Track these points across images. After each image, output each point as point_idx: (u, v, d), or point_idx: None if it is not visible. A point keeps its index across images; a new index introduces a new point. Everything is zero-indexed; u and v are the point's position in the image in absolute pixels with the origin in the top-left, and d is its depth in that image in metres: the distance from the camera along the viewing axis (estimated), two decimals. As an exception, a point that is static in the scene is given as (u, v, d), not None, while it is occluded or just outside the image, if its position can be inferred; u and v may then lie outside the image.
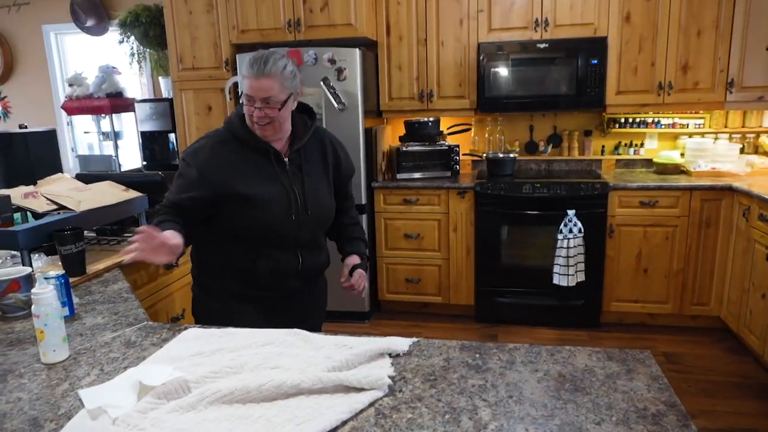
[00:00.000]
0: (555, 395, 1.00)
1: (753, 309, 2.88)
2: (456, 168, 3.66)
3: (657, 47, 3.35)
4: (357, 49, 3.30)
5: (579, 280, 3.30)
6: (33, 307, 1.19)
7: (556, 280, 3.31)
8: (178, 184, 1.58)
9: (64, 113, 4.41)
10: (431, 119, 3.68)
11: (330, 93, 3.34)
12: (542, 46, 3.42)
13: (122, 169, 4.16)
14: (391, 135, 3.94)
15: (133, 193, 2.12)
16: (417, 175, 3.63)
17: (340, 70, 3.31)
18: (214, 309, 1.66)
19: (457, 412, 0.96)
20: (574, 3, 3.38)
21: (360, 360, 1.13)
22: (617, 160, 3.81)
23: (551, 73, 3.46)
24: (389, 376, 1.07)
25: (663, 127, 3.68)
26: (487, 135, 3.91)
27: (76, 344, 1.29)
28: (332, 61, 3.31)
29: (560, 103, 3.52)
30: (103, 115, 4.17)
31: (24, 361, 1.21)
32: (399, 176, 3.63)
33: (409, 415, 0.96)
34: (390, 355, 1.18)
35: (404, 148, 3.61)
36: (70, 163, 4.75)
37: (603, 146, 3.81)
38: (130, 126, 4.30)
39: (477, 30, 3.53)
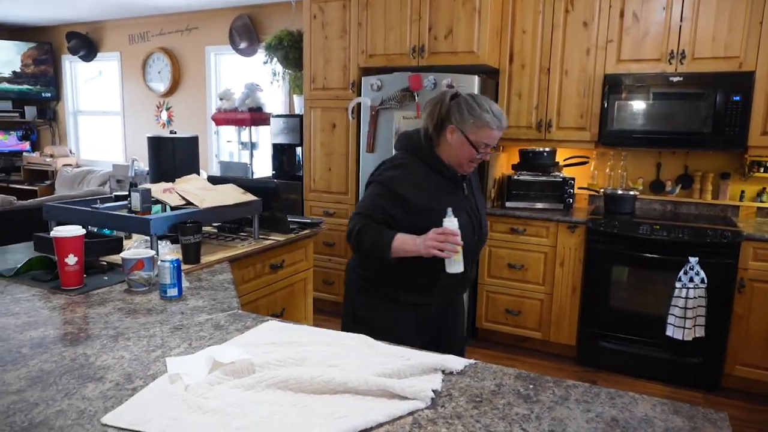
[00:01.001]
0: (600, 438, 0.96)
1: None
2: (569, 201, 3.52)
3: (817, 85, 2.98)
4: (476, 76, 3.35)
5: (697, 335, 2.99)
6: None
7: (669, 332, 3.03)
8: (378, 204, 1.69)
9: (213, 123, 4.98)
10: (547, 149, 3.60)
11: (445, 117, 3.41)
12: (676, 79, 3.20)
13: (254, 176, 4.58)
14: (506, 163, 3.91)
15: (249, 197, 2.36)
16: (526, 205, 3.56)
17: (457, 96, 3.38)
18: (378, 316, 1.78)
19: (491, 436, 0.96)
20: (717, 35, 3.14)
21: (412, 371, 1.17)
22: (759, 208, 3.41)
23: (684, 109, 3.22)
24: (434, 390, 1.10)
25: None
26: (608, 170, 3.72)
27: (176, 320, 1.48)
28: (450, 87, 3.39)
29: (694, 141, 3.25)
30: (244, 126, 4.64)
31: (133, 327, 1.42)
32: (508, 204, 3.58)
33: (444, 430, 0.98)
34: (444, 371, 1.20)
35: (516, 177, 3.57)
36: (214, 167, 5.34)
37: (742, 191, 3.44)
38: (266, 138, 4.73)
39: (605, 61, 3.41)
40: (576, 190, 3.63)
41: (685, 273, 2.98)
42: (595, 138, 3.48)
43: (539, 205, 3.55)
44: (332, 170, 4.02)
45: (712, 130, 3.16)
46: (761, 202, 3.40)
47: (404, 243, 1.63)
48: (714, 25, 3.14)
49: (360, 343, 1.34)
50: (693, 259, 2.96)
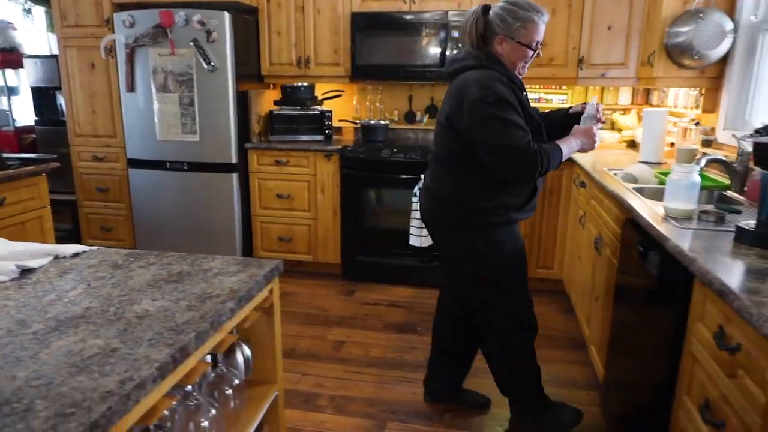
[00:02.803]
0: (152, 284, 1.18)
1: (575, 269, 3.11)
2: (329, 133, 3.82)
3: (515, 23, 3.52)
4: (225, 12, 3.42)
5: (431, 242, 3.49)
6: None
7: (411, 241, 3.48)
8: (517, 123, 1.69)
9: (-37, 67, 4.46)
10: (304, 84, 3.82)
11: (200, 54, 3.46)
12: (409, 17, 3.57)
13: (16, 124, 4.25)
14: (270, 99, 4.07)
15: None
16: (289, 138, 3.78)
17: (209, 32, 3.43)
18: (503, 243, 1.90)
19: (55, 291, 1.13)
20: (440, -23, 3.54)
21: (22, 256, 1.30)
22: (488, 132, 3.99)
23: (418, 45, 3.61)
24: (31, 268, 1.24)
25: (530, 101, 3.86)
26: (368, 103, 4.07)
27: None
28: (202, 23, 3.42)
29: (429, 74, 3.67)
30: (-4, 69, 4.24)
31: None
32: (272, 138, 3.78)
33: (12, 292, 1.13)
34: (57, 257, 1.35)
35: (277, 112, 3.76)
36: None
37: (475, 118, 3.98)
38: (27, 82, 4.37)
39: (351, 0, 3.67)
40: (341, 123, 3.93)
41: (419, 188, 3.43)
42: (349, 73, 3.77)
43: (300, 138, 3.79)
44: (96, 113, 3.88)
45: (440, 63, 3.60)
46: (489, 126, 3.98)
47: (569, 147, 1.81)
48: (437, -32, 3.54)
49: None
50: (423, 176, 3.41)
